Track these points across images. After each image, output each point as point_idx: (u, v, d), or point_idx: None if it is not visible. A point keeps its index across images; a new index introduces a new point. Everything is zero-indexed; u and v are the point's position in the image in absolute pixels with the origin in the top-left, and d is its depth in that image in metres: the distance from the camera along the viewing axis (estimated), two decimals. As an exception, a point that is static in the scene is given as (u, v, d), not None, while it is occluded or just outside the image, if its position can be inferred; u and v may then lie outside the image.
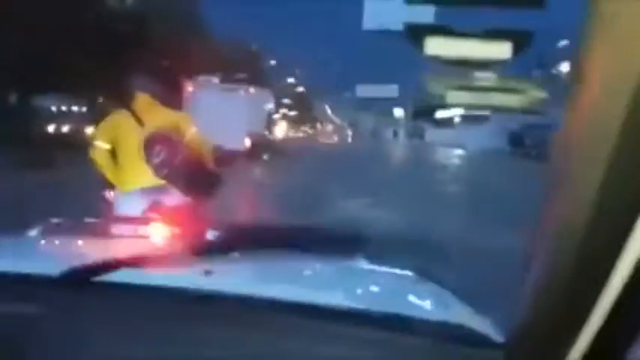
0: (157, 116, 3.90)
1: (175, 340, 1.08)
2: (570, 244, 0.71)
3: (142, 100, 3.93)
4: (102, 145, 3.89)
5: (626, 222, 0.64)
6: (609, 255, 0.68)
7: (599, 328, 0.75)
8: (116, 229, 2.94)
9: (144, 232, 3.04)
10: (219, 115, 14.72)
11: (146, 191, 3.75)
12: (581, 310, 0.74)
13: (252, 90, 19.66)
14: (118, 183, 3.87)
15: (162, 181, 3.71)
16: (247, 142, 17.87)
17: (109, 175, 3.88)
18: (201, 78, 18.40)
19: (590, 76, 0.64)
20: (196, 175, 3.87)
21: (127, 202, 3.75)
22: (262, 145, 18.77)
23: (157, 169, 3.67)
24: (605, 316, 0.74)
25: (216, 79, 18.86)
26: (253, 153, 17.90)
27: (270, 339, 1.09)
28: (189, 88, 17.62)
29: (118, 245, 2.25)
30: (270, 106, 20.65)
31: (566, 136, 0.70)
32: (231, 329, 1.11)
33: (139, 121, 3.85)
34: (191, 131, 3.93)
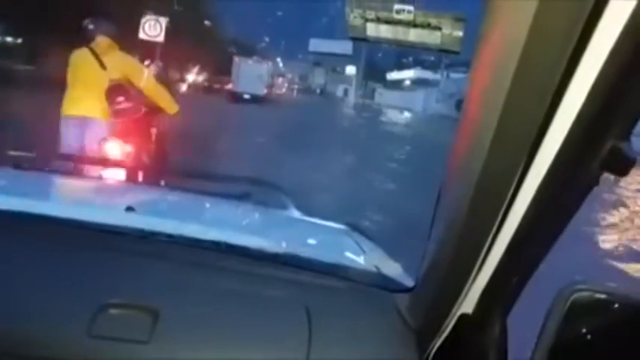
0: (118, 61, 4.35)
1: (93, 273, 1.07)
2: (462, 196, 0.77)
3: (103, 43, 4.34)
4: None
5: (509, 179, 0.70)
6: (495, 210, 0.74)
7: (486, 284, 0.84)
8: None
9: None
10: (251, 75, 27.46)
11: (78, 119, 4.26)
12: (469, 262, 0.81)
13: (266, 61, 32.00)
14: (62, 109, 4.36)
15: (99, 115, 4.25)
16: (264, 90, 29.00)
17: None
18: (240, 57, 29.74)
19: (488, 34, 0.67)
20: (143, 128, 4.56)
21: (64, 125, 4.28)
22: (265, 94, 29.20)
23: (116, 114, 4.24)
24: (490, 272, 0.82)
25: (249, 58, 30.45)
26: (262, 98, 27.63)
27: (184, 272, 1.11)
28: (235, 59, 29.26)
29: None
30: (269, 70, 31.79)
31: (468, 89, 0.74)
32: (150, 264, 1.12)
33: (101, 64, 4.28)
34: (148, 80, 4.44)
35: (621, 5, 0.57)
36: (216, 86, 29.37)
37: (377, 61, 54.34)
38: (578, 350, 0.80)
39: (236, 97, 26.07)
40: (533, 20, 0.59)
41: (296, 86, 52.55)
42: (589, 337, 0.79)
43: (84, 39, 4.41)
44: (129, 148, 4.35)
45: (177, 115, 4.67)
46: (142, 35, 12.89)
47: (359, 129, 21.91)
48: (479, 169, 0.72)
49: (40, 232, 1.17)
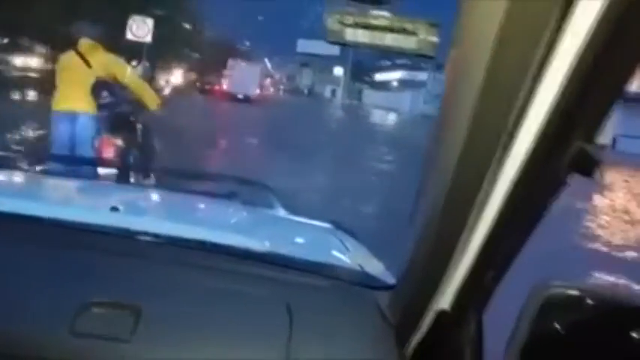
0: (102, 60, 4.78)
1: (76, 272, 1.08)
2: (436, 195, 0.80)
3: (86, 45, 4.78)
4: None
5: (480, 177, 0.73)
6: (468, 208, 0.77)
7: (462, 281, 0.86)
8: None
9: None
10: (244, 77, 29.47)
11: (68, 113, 4.69)
12: (445, 259, 0.84)
13: (260, 64, 35.46)
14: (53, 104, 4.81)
15: (87, 109, 4.71)
16: (257, 91, 31.04)
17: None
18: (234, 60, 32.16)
19: (460, 37, 0.69)
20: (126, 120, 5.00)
21: (55, 120, 4.72)
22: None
23: (101, 108, 4.71)
24: (466, 269, 0.85)
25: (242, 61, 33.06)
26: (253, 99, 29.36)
27: (168, 271, 1.12)
28: (230, 62, 31.53)
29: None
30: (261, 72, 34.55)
31: (444, 90, 0.76)
32: (134, 263, 1.13)
33: (87, 63, 4.72)
34: (131, 76, 4.90)
35: (589, 7, 0.59)
36: (207, 87, 31.49)
37: (365, 63, 54.50)
38: (552, 346, 0.82)
39: (230, 97, 28.33)
40: (502, 23, 0.61)
41: (284, 87, 52.57)
42: (562, 332, 0.80)
43: (69, 42, 4.89)
44: (119, 142, 4.80)
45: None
46: (129, 36, 12.97)
47: (345, 129, 22.08)
48: (452, 169, 0.74)
49: (23, 231, 1.17)
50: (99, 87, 4.71)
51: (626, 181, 13.84)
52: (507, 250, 0.82)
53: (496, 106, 0.67)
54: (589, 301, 0.81)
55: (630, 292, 5.15)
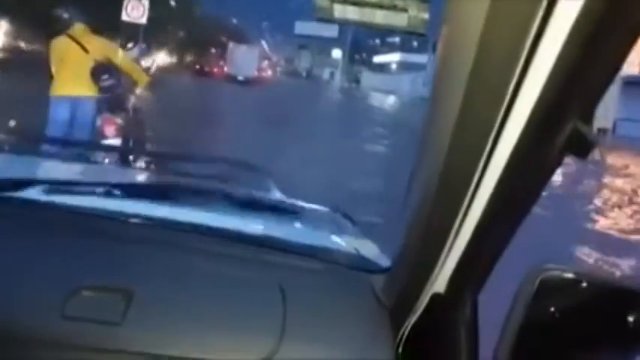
0: (97, 44, 4.95)
1: (68, 256, 1.07)
2: (430, 179, 0.79)
3: (79, 30, 4.93)
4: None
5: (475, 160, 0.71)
6: (462, 191, 0.76)
7: (456, 264, 0.86)
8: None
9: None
10: (243, 59, 31.16)
11: (69, 99, 4.85)
12: (440, 242, 0.83)
13: (257, 47, 36.68)
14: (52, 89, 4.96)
15: (89, 93, 4.90)
16: (255, 73, 32.41)
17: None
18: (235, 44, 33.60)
19: (452, 15, 0.67)
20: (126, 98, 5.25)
21: (55, 105, 4.88)
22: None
23: (103, 90, 4.91)
24: (460, 252, 0.84)
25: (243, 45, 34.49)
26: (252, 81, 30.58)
27: (160, 254, 1.11)
28: (230, 45, 33.07)
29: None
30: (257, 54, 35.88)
31: (437, 68, 0.74)
32: (126, 246, 1.12)
33: (83, 48, 4.86)
34: (123, 57, 5.06)
35: None
36: (206, 69, 32.70)
37: (363, 45, 54.14)
38: (547, 328, 0.82)
39: (231, 79, 29.80)
40: (493, 3, 0.60)
41: (282, 69, 52.30)
42: (557, 316, 0.81)
43: (59, 27, 4.97)
44: (119, 121, 5.03)
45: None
46: (124, 17, 12.86)
47: (343, 112, 22.02)
48: (445, 150, 0.73)
49: (13, 214, 1.16)
50: (98, 70, 4.83)
51: (626, 165, 13.87)
52: (502, 233, 0.81)
53: (488, 86, 0.65)
54: (584, 285, 0.81)
55: (625, 275, 5.18)
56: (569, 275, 0.81)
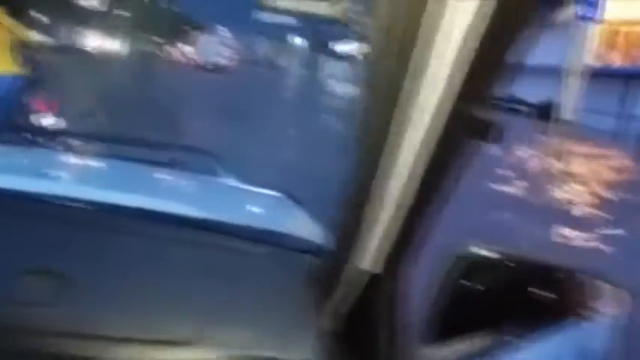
0: (9, 22, 5.09)
1: (7, 240, 1.06)
2: (355, 160, 0.82)
3: None
4: None
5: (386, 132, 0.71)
6: (382, 173, 0.76)
7: (386, 241, 0.86)
8: None
9: None
10: (210, 50, 33.98)
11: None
12: (368, 224, 0.84)
13: (224, 37, 38.90)
14: None
15: (9, 69, 4.95)
16: (223, 62, 34.97)
17: None
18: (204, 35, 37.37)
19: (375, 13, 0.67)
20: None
21: None
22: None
23: (25, 63, 5.03)
24: (389, 230, 0.84)
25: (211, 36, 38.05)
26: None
27: (101, 238, 1.11)
28: (200, 37, 36.84)
29: None
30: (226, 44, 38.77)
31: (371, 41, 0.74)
32: (67, 231, 1.12)
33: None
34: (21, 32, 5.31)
35: None
36: (168, 57, 35.08)
37: (326, 34, 53.91)
38: (472, 305, 0.86)
39: (200, 68, 32.39)
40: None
41: (243, 57, 51.76)
42: (481, 293, 0.85)
43: None
44: (55, 104, 5.17)
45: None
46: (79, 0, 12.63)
47: (300, 100, 22.12)
48: (362, 134, 0.77)
49: None
50: (19, 47, 4.98)
51: (579, 152, 14.27)
52: (427, 213, 0.82)
53: (390, 72, 0.68)
54: (507, 263, 0.87)
55: (551, 252, 5.55)
56: (494, 254, 0.87)
